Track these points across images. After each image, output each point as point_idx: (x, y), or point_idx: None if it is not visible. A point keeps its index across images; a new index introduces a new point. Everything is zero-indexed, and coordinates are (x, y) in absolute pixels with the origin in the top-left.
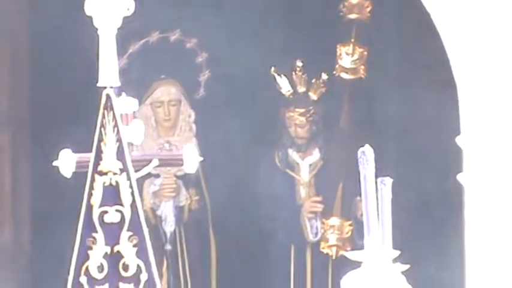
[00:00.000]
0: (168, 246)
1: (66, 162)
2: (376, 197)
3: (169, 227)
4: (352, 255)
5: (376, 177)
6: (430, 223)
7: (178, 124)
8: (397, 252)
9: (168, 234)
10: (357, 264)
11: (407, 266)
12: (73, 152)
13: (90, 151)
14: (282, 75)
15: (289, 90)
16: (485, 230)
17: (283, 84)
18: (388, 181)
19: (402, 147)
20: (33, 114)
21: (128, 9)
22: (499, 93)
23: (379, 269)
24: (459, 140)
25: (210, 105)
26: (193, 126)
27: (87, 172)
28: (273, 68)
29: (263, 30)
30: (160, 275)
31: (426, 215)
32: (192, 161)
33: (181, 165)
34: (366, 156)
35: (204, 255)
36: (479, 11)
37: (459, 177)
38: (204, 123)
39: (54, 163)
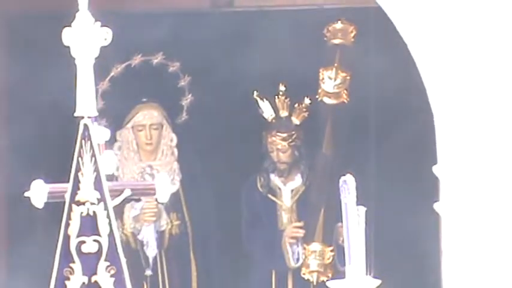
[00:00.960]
0: (149, 272)
1: (38, 192)
2: None
3: (151, 251)
4: (333, 284)
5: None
6: (408, 252)
7: (160, 148)
8: (378, 282)
9: (151, 259)
10: None
11: None
12: (46, 182)
13: (63, 182)
14: (265, 99)
15: (271, 115)
16: (463, 259)
17: (266, 109)
18: (362, 210)
19: (382, 174)
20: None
21: (106, 39)
22: (475, 122)
23: None
24: (436, 169)
25: (192, 129)
26: (175, 150)
27: (62, 203)
28: (255, 92)
29: (246, 54)
30: None
31: (404, 244)
32: (164, 190)
33: (154, 194)
34: (348, 185)
35: (185, 280)
36: (456, 40)
37: (436, 206)
38: (186, 148)
39: (26, 194)
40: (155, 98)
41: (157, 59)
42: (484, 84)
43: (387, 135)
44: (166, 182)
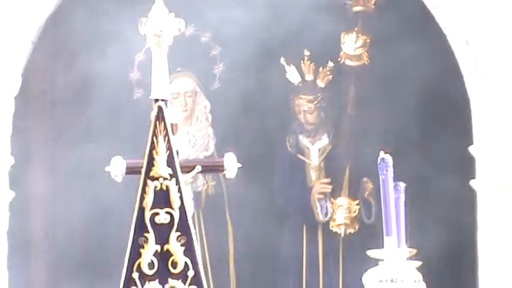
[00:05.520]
0: None
1: (118, 167)
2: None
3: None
4: (373, 253)
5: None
6: (444, 225)
7: (194, 114)
8: (414, 251)
9: None
10: (365, 242)
11: (420, 263)
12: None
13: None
14: (291, 64)
15: (298, 79)
16: (497, 229)
17: (292, 73)
18: (402, 186)
19: (406, 129)
20: None
21: (179, 29)
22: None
23: (397, 265)
24: (472, 149)
25: (224, 96)
26: (209, 116)
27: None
28: (282, 58)
29: (272, 22)
30: None
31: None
32: (233, 168)
33: (222, 171)
34: (386, 162)
35: (222, 239)
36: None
37: (472, 182)
38: (219, 113)
39: (106, 168)
40: (189, 68)
41: (189, 31)
42: None
43: (413, 98)
44: (234, 160)
